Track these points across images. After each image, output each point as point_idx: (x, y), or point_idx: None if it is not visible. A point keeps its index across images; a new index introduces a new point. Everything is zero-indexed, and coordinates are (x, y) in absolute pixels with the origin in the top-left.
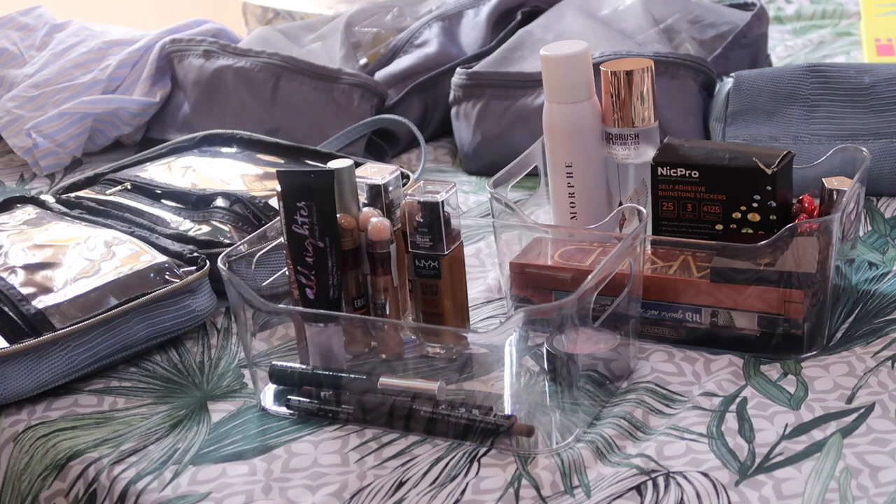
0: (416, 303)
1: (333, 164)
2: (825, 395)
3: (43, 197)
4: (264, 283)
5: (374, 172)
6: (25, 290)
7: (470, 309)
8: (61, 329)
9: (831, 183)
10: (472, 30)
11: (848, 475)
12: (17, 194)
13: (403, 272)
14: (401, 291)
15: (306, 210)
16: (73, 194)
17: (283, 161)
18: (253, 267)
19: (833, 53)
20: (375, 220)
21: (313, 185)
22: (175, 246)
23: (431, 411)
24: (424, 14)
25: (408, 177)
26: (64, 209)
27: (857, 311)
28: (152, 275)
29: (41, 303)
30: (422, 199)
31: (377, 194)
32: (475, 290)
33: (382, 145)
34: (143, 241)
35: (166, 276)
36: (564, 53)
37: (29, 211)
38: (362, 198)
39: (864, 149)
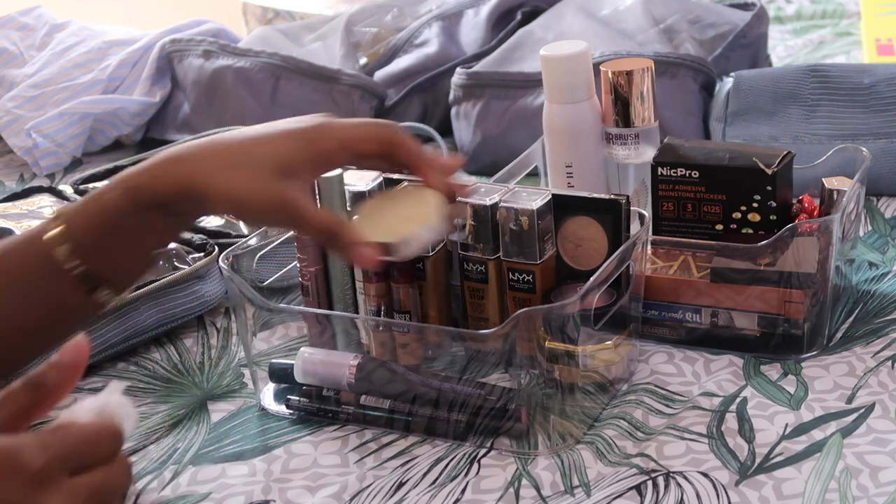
0: (460, 308)
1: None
2: (825, 395)
3: (60, 187)
4: (265, 283)
5: (357, 179)
6: None
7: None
8: None
9: (831, 183)
10: (472, 29)
11: (848, 475)
12: (36, 185)
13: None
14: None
15: None
16: (90, 185)
17: None
18: (255, 265)
19: (833, 53)
20: None
21: None
22: (184, 234)
23: (431, 412)
24: (424, 14)
25: None
26: (79, 199)
27: (857, 311)
28: (161, 262)
29: None
30: (476, 203)
31: (361, 201)
32: None
33: None
34: None
35: (175, 263)
36: (564, 53)
37: (45, 199)
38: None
39: (864, 149)
